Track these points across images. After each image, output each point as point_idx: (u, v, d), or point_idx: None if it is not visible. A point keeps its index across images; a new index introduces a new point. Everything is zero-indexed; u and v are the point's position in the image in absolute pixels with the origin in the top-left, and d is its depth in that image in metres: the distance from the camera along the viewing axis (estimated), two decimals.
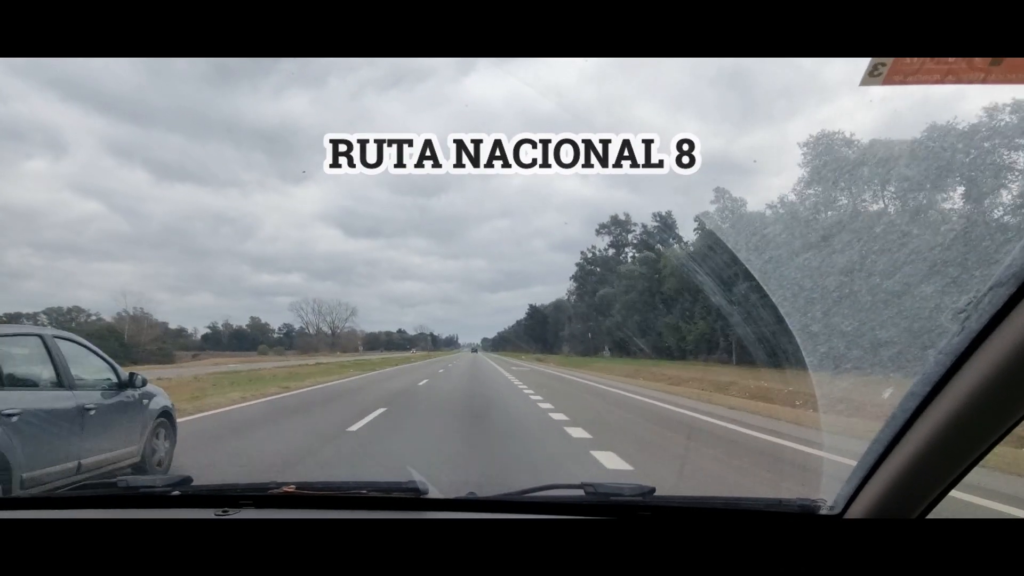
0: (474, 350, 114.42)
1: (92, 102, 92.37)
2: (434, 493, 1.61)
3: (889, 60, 0.81)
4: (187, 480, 1.69)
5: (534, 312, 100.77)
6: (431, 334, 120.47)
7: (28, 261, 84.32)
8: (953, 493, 1.21)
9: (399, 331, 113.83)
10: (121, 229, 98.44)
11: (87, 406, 4.66)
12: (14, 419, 3.95)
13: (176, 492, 1.63)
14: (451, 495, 1.62)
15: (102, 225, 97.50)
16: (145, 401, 5.57)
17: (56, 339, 4.73)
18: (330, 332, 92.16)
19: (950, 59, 0.81)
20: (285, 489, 1.60)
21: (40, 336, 4.67)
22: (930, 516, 1.24)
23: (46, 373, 4.53)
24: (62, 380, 4.59)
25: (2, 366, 4.20)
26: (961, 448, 1.08)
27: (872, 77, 0.81)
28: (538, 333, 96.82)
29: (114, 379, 5.25)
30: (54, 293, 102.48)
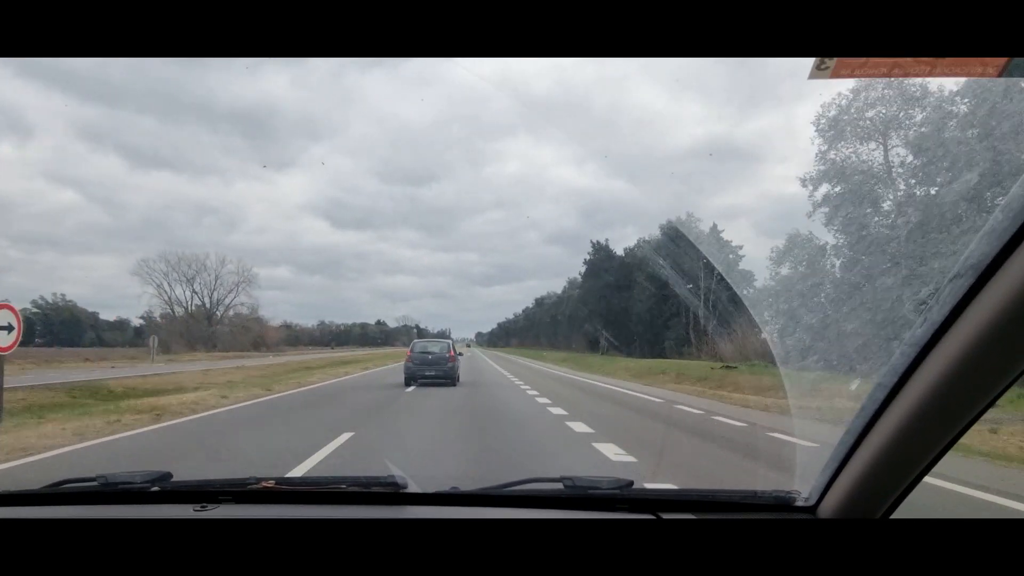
0: (468, 345, 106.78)
1: (52, 78, 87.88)
2: (413, 488, 1.60)
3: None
4: (167, 476, 1.66)
5: (601, 264, 52.30)
6: (416, 326, 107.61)
7: (6, 254, 79.61)
8: (927, 479, 1.22)
9: (378, 322, 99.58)
10: (100, 220, 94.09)
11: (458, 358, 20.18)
12: (459, 360, 20.22)
13: (155, 488, 1.62)
14: (432, 489, 1.62)
15: (80, 216, 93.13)
16: (458, 359, 19.84)
17: (452, 339, 23.95)
18: (205, 314, 53.95)
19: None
20: (264, 484, 1.60)
21: (450, 339, 24.97)
22: (906, 502, 1.26)
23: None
24: (451, 348, 19.57)
25: (457, 345, 21.58)
26: (930, 436, 1.09)
27: (819, 71, 0.81)
28: (600, 310, 52.61)
29: (455, 350, 19.69)
30: (37, 287, 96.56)
